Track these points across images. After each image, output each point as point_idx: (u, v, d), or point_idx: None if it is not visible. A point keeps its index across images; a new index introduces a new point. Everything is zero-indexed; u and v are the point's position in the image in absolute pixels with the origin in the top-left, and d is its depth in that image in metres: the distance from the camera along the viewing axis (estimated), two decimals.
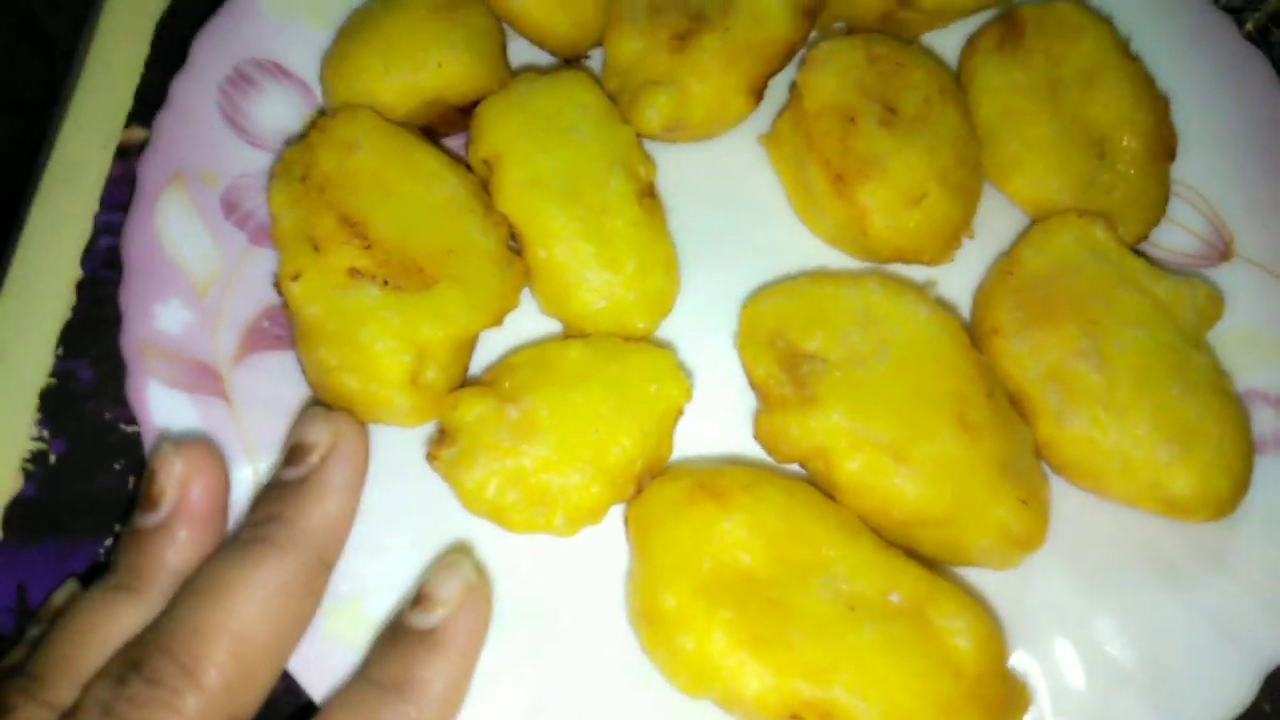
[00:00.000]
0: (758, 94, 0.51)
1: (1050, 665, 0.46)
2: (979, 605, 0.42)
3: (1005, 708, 0.41)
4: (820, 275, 0.49)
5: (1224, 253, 0.54)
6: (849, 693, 0.39)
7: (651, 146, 0.51)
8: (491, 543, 0.45)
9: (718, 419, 0.49)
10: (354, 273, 0.44)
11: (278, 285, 0.45)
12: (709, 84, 0.49)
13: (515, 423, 0.43)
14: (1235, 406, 0.47)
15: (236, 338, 0.48)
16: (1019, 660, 0.46)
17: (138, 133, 0.55)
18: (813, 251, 0.53)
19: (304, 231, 0.44)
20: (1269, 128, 0.55)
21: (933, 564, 0.44)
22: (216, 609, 0.38)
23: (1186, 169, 0.54)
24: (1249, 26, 0.62)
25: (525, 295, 0.48)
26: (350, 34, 0.51)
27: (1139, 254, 0.50)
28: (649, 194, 0.49)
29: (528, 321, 0.49)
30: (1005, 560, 0.45)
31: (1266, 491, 0.48)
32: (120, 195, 0.54)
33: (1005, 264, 0.50)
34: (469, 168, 0.49)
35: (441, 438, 0.44)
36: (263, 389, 0.47)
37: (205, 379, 0.47)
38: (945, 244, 0.50)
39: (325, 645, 0.43)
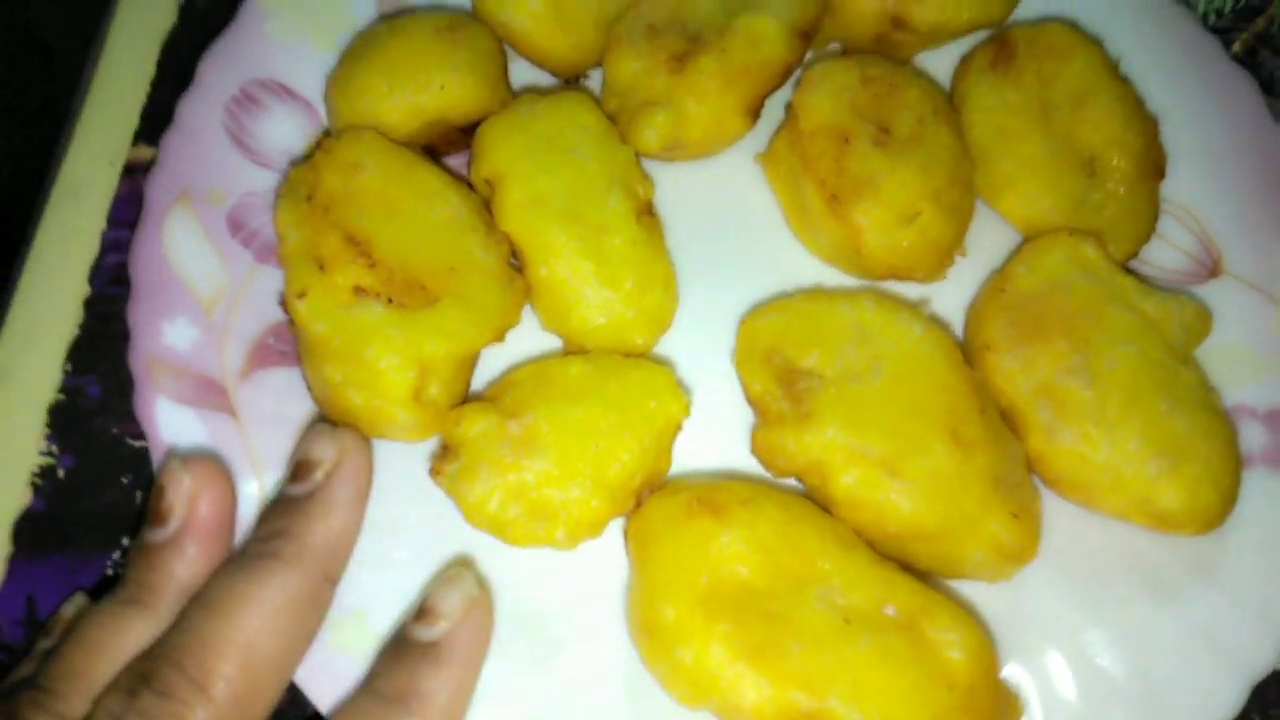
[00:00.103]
0: (754, 114, 0.51)
1: (1042, 677, 0.46)
2: (972, 618, 0.42)
3: (997, 718, 0.42)
4: (816, 293, 0.50)
5: (1213, 270, 0.54)
6: (844, 703, 0.40)
7: (650, 165, 0.52)
8: (493, 556, 0.46)
9: (716, 434, 0.49)
10: (358, 290, 0.44)
11: (284, 303, 0.46)
12: (706, 104, 0.50)
13: (517, 438, 0.44)
14: (1223, 422, 0.48)
15: (243, 354, 0.48)
16: (1011, 672, 0.46)
17: (144, 151, 0.56)
18: (808, 269, 0.53)
19: (310, 250, 0.45)
20: (1257, 147, 0.56)
21: (926, 577, 0.45)
22: (225, 623, 0.39)
23: (1176, 188, 0.55)
24: (1236, 48, 0.63)
25: (526, 312, 0.49)
26: (354, 56, 0.51)
27: (1129, 271, 0.51)
28: (648, 212, 0.50)
29: (529, 338, 0.50)
30: (998, 573, 0.46)
31: (1254, 505, 0.49)
32: (127, 213, 0.54)
33: (997, 281, 0.51)
34: (471, 187, 0.50)
35: (444, 453, 0.44)
36: (268, 405, 0.48)
37: (212, 395, 0.47)
38: (938, 262, 0.51)
39: (331, 657, 0.44)
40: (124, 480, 0.50)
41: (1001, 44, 0.55)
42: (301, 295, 0.44)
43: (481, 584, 0.44)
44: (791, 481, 0.48)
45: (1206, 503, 0.46)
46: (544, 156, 0.48)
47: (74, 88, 0.58)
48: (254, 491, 0.46)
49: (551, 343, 0.50)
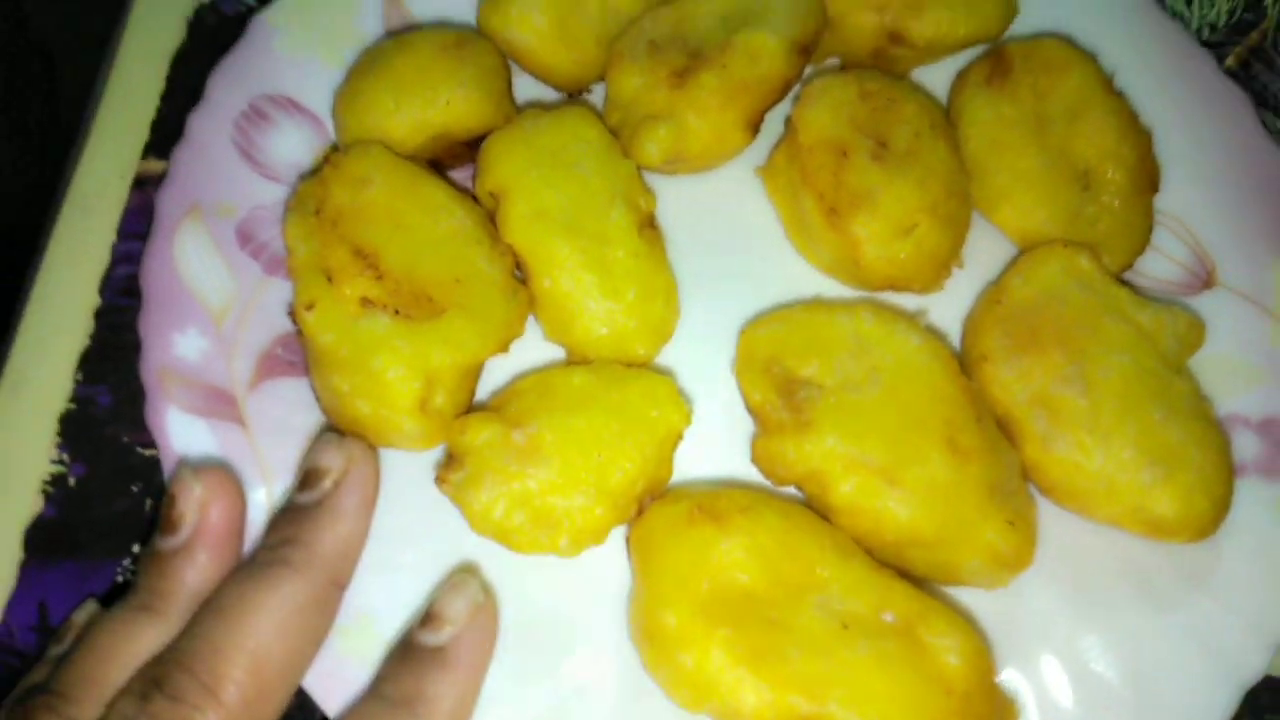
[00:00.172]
0: (754, 128, 0.52)
1: (1038, 682, 0.47)
2: (968, 624, 0.43)
3: None
4: (815, 304, 0.51)
5: (1206, 281, 0.55)
6: (843, 707, 0.40)
7: (651, 179, 0.52)
8: (498, 563, 0.47)
9: (716, 443, 0.50)
10: (366, 302, 0.45)
11: (292, 314, 0.47)
12: (707, 119, 0.50)
13: (521, 447, 0.44)
14: (1216, 431, 0.48)
15: (252, 364, 0.49)
16: (1007, 677, 0.47)
17: (155, 164, 0.57)
18: (808, 280, 0.54)
19: (318, 263, 0.46)
20: (1249, 160, 0.56)
21: (924, 584, 0.46)
22: (235, 628, 0.39)
23: (1170, 200, 0.55)
24: (1229, 62, 0.64)
25: (530, 323, 0.49)
26: (362, 71, 0.52)
27: (1123, 283, 0.51)
28: (649, 225, 0.50)
29: (532, 348, 0.50)
30: (994, 580, 0.46)
31: (1247, 513, 0.49)
32: (138, 225, 0.55)
33: (994, 293, 0.51)
34: (476, 200, 0.50)
35: (450, 461, 0.45)
36: (277, 414, 0.48)
37: (221, 404, 0.48)
38: (935, 273, 0.52)
39: (338, 662, 0.44)
40: (134, 488, 0.51)
41: (997, 59, 0.55)
42: (310, 307, 0.45)
43: (486, 590, 0.44)
44: (791, 490, 0.48)
45: (1200, 511, 0.46)
46: (547, 170, 0.49)
47: (80, 103, 0.59)
48: (263, 499, 0.47)
49: (555, 353, 0.51)
